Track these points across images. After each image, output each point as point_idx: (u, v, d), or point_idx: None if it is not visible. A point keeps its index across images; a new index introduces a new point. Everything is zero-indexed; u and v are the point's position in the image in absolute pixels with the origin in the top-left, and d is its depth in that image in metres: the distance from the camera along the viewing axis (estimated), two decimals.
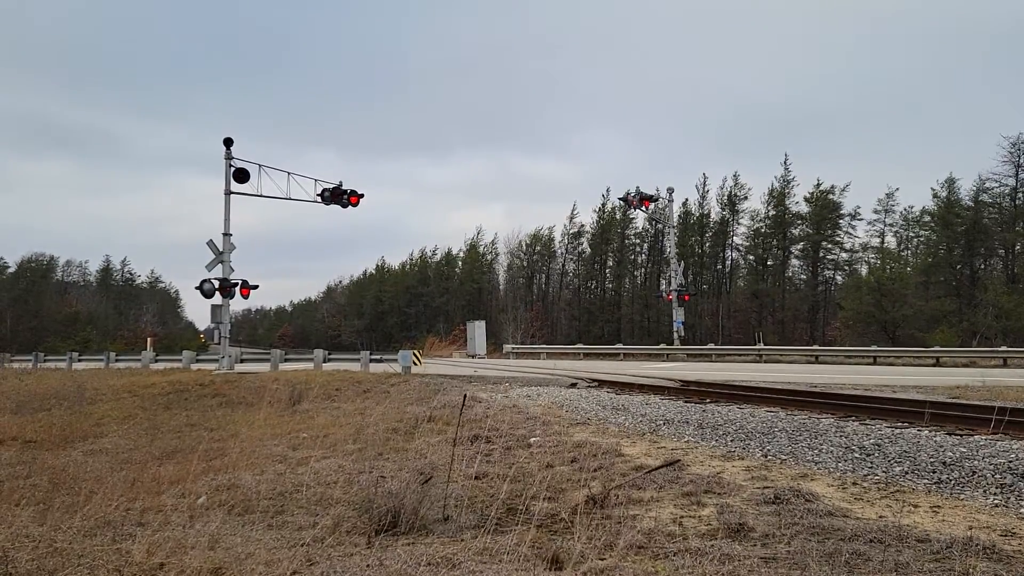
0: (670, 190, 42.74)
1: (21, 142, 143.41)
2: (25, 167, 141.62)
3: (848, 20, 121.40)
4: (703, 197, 60.43)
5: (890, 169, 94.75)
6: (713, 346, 36.93)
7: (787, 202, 54.05)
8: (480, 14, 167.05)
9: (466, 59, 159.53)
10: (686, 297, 41.17)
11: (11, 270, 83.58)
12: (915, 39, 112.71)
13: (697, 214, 61.02)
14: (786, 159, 54.91)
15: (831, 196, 51.85)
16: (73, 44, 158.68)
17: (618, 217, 64.41)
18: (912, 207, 51.82)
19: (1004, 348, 26.64)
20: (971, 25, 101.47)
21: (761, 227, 56.21)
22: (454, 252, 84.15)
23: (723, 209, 59.11)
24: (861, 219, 52.47)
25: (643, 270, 66.00)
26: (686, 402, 12.56)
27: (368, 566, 4.08)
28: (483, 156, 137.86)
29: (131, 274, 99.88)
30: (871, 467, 6.85)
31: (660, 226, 58.51)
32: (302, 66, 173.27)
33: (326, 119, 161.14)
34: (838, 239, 53.00)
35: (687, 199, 61.67)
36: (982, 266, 45.43)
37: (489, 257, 78.05)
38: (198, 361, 28.59)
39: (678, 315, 38.73)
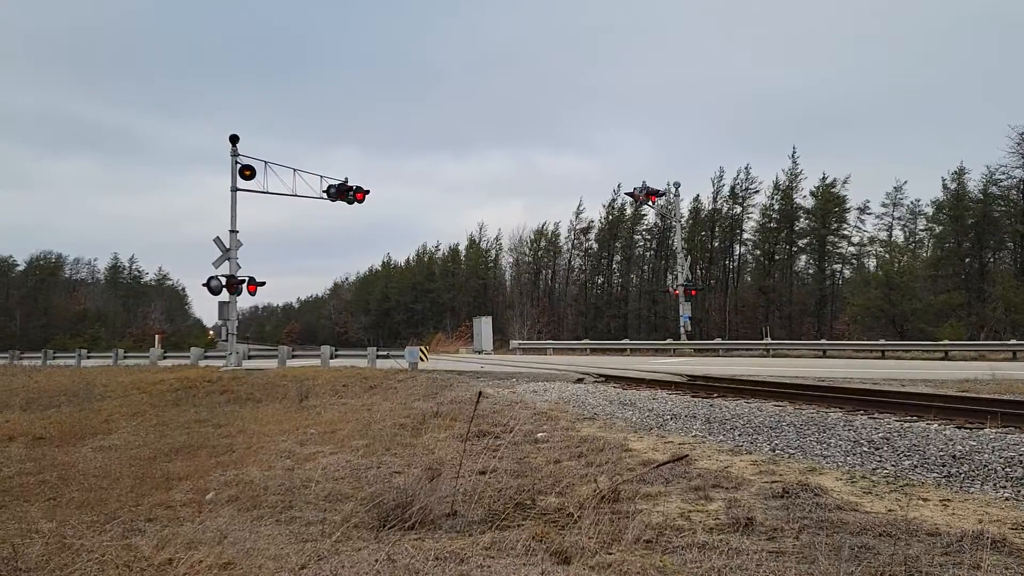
0: (676, 184, 42.69)
1: (41, 141, 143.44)
2: (45, 166, 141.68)
3: (854, 16, 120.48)
4: (717, 192, 60.02)
5: (899, 162, 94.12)
6: (720, 341, 36.80)
7: (795, 196, 53.77)
8: (508, 12, 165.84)
9: (492, 57, 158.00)
10: (692, 292, 41.07)
11: (20, 268, 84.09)
12: (922, 33, 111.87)
13: (708, 209, 60.71)
14: (794, 152, 54.71)
15: (834, 190, 51.55)
16: (94, 42, 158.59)
17: (628, 213, 64.16)
18: (919, 200, 51.53)
19: (1013, 341, 26.42)
20: (979, 20, 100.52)
21: (768, 222, 55.94)
22: (459, 248, 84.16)
23: (733, 204, 58.89)
24: (870, 213, 52.23)
25: (650, 265, 65.74)
26: (693, 397, 12.53)
27: (376, 561, 4.08)
28: (505, 153, 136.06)
29: (139, 271, 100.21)
30: (880, 461, 6.82)
31: (668, 221, 58.35)
32: (326, 64, 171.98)
33: (349, 117, 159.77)
34: (844, 233, 52.75)
35: (698, 195, 61.32)
36: (991, 259, 45.09)
37: (494, 252, 78.01)
38: (206, 358, 28.70)
39: (685, 310, 38.65)
